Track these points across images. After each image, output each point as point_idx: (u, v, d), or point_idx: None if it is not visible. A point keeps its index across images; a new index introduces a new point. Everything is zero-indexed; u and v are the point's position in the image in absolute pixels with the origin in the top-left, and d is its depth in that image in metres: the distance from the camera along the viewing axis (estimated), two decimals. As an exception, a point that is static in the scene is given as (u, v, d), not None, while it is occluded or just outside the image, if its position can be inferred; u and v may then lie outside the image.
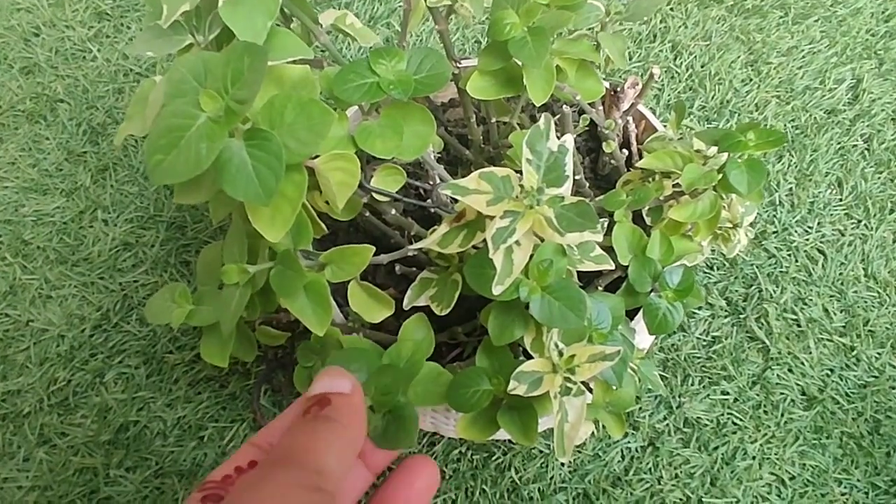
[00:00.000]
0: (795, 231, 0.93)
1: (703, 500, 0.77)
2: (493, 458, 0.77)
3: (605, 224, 0.59)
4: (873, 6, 1.14)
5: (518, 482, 0.76)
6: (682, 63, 1.05)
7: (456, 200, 0.64)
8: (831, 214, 0.95)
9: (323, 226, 0.51)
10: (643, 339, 0.63)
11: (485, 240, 0.48)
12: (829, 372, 0.85)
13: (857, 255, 0.91)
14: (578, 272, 0.53)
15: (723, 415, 0.81)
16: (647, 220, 0.59)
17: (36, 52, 1.00)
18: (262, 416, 0.77)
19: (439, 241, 0.48)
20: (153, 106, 0.48)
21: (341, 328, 0.59)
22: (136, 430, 0.78)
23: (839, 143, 1.00)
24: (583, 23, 0.59)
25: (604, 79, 0.66)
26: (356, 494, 0.36)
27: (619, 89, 0.71)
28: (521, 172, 0.45)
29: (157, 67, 0.98)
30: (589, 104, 0.61)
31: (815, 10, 1.13)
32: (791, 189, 0.96)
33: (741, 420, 0.81)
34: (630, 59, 1.07)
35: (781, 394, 0.83)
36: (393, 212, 0.59)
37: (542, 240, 0.47)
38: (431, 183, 0.65)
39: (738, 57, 1.07)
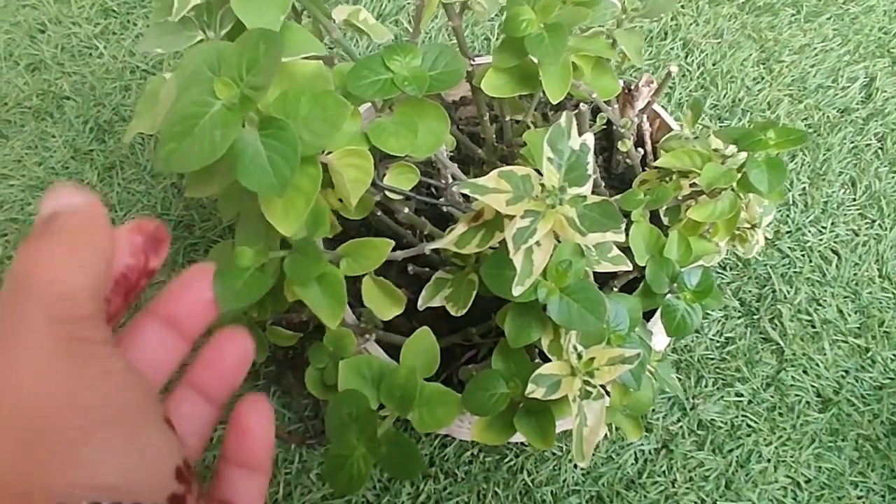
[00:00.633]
0: (809, 231, 0.92)
1: (718, 503, 0.76)
2: (506, 460, 0.76)
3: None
4: (886, 4, 1.13)
5: (531, 485, 0.75)
6: (693, 61, 1.04)
7: (469, 199, 0.63)
8: (845, 214, 0.94)
9: (337, 223, 0.50)
10: (659, 340, 0.62)
11: (502, 240, 0.48)
12: (844, 373, 0.84)
13: (871, 255, 0.90)
14: (594, 273, 0.52)
15: (737, 417, 0.80)
16: (665, 220, 0.58)
17: (42, 48, 0.99)
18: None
19: (456, 241, 0.47)
20: (164, 103, 0.47)
21: (353, 329, 0.58)
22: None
23: (852, 143, 0.99)
24: (599, 19, 0.58)
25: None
26: (170, 366, 0.31)
27: (632, 87, 0.70)
28: (539, 171, 0.44)
29: (164, 65, 0.97)
30: (605, 102, 0.60)
31: (828, 8, 1.12)
32: (804, 188, 0.95)
33: (756, 422, 0.80)
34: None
35: (796, 396, 0.82)
36: (406, 210, 0.58)
37: (559, 240, 0.46)
38: (444, 181, 0.64)
39: (750, 55, 1.06)
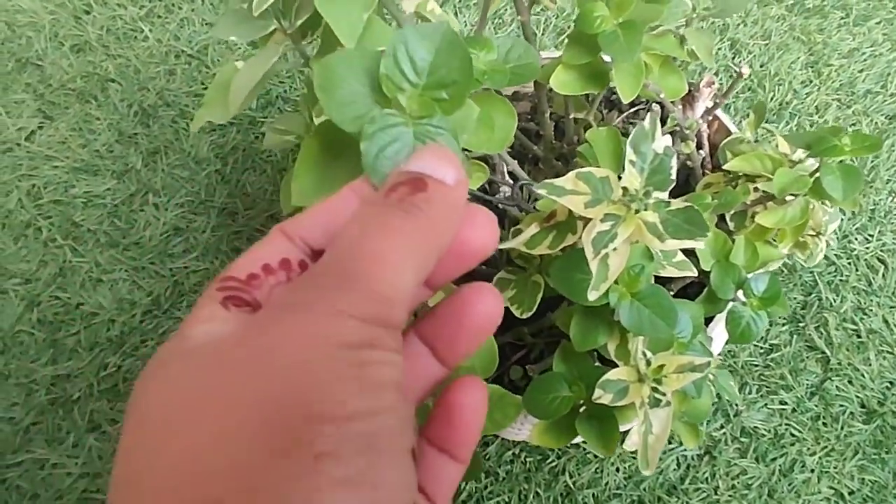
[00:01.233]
0: (856, 239, 0.90)
1: (761, 512, 0.75)
2: (548, 461, 0.75)
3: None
4: (937, 9, 1.10)
5: (572, 487, 0.75)
6: (740, 62, 1.03)
7: (531, 198, 0.62)
8: (892, 223, 0.92)
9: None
10: (715, 347, 0.61)
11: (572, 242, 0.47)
12: (889, 385, 0.82)
13: (919, 265, 0.89)
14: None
15: (780, 425, 0.79)
16: (730, 225, 0.57)
17: (87, 30, 0.99)
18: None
19: (527, 242, 0.47)
20: (236, 93, 0.46)
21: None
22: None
23: (901, 150, 0.97)
24: (670, 18, 0.57)
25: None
26: (425, 389, 0.27)
27: (693, 88, 0.69)
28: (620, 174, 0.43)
29: (209, 50, 0.97)
30: (671, 102, 0.59)
31: (877, 12, 1.10)
32: (853, 195, 0.93)
33: (799, 431, 0.79)
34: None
35: (841, 406, 0.81)
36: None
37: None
38: (500, 177, 0.63)
39: (798, 58, 1.04)
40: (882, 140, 0.49)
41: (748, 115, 0.69)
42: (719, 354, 0.82)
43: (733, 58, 1.04)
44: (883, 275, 0.88)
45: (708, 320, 0.62)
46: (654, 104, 0.58)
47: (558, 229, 0.47)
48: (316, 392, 0.20)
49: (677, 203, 0.41)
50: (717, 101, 0.63)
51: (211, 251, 0.85)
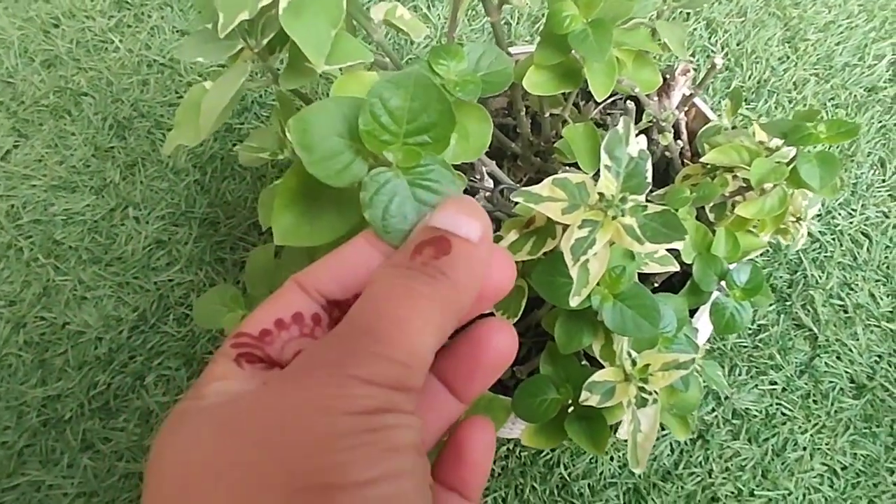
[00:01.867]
0: (839, 214, 0.91)
1: (755, 492, 0.76)
2: (542, 454, 0.76)
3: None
4: (912, -23, 1.10)
5: (567, 478, 0.75)
6: (717, 41, 1.02)
7: (510, 200, 0.62)
8: (875, 196, 0.92)
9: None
10: (701, 336, 0.61)
11: (553, 247, 0.47)
12: (877, 359, 0.83)
13: (903, 237, 0.89)
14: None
15: (771, 405, 0.80)
16: (710, 217, 0.57)
17: (57, 43, 0.97)
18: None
19: (507, 248, 0.47)
20: (207, 115, 0.46)
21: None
22: (178, 431, 0.77)
23: (881, 122, 0.97)
24: (640, 11, 0.56)
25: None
26: (440, 429, 0.28)
27: (668, 77, 0.69)
28: (595, 177, 0.43)
29: (181, 58, 0.96)
30: (646, 96, 0.59)
31: (852, -17, 1.09)
32: (834, 171, 0.93)
33: (790, 410, 0.80)
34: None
35: (830, 382, 0.81)
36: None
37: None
38: (478, 177, 0.63)
39: (775, 34, 1.04)
40: (858, 126, 0.49)
41: (726, 98, 0.69)
42: (707, 340, 0.83)
43: (709, 38, 1.03)
44: (868, 249, 0.89)
45: (693, 311, 0.62)
46: (629, 101, 0.58)
47: (538, 235, 0.47)
48: (330, 460, 0.21)
49: (654, 207, 0.40)
50: (694, 90, 0.62)
51: (194, 262, 0.84)
